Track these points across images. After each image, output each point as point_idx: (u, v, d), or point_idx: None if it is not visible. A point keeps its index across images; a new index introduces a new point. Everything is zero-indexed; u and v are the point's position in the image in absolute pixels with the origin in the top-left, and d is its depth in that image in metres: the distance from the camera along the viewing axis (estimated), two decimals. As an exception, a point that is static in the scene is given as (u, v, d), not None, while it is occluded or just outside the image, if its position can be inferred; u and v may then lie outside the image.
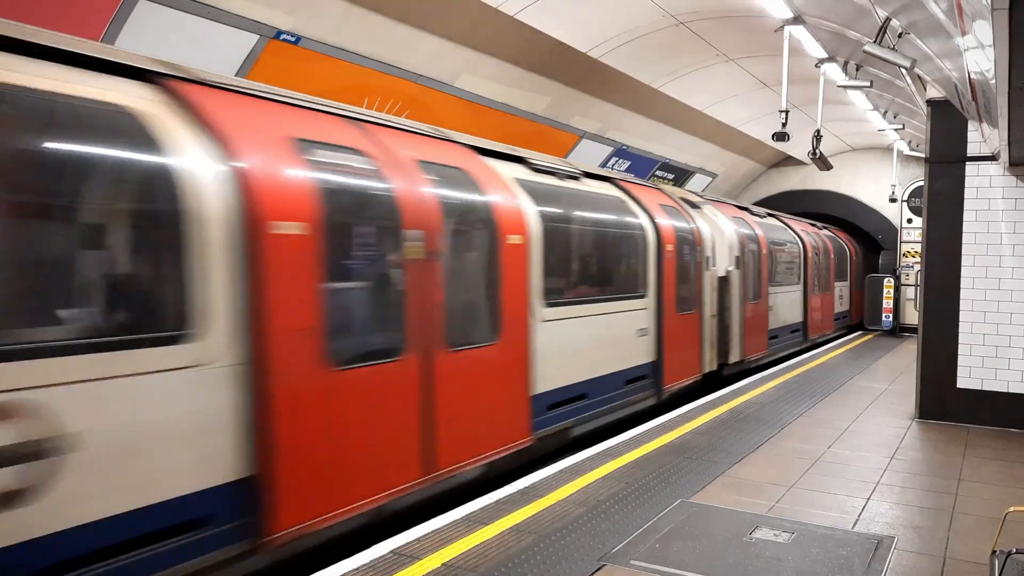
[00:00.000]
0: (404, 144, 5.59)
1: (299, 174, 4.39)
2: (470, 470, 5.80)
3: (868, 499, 5.63)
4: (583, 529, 4.89)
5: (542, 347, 6.67)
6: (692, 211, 10.99)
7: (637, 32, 9.86)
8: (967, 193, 8.11)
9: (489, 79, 9.91)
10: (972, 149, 8.12)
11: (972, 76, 4.91)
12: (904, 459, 6.80)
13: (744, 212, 13.53)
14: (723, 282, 11.33)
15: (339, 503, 4.53)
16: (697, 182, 18.13)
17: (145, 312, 3.88)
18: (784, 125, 10.16)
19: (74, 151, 3.80)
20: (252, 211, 4.03)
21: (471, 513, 5.14)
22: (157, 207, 3.99)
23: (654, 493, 5.64)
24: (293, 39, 7.50)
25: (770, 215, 15.25)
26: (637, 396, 8.68)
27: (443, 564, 4.31)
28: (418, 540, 4.64)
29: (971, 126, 8.05)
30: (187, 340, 3.76)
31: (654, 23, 9.67)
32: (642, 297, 8.78)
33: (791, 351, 14.92)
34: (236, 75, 7.33)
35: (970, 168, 8.11)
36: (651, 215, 9.16)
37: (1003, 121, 5.04)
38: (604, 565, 4.34)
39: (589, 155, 13.37)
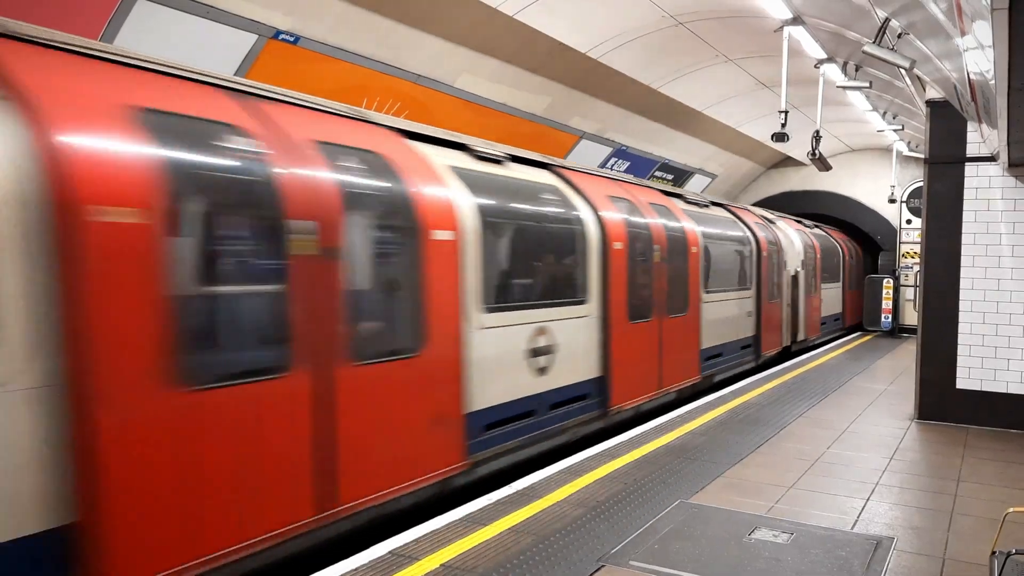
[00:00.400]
0: (640, 192, 9.32)
1: (617, 215, 8.14)
2: (673, 392, 9.44)
3: (867, 500, 5.63)
4: (582, 530, 4.89)
5: (703, 319, 10.28)
6: (772, 225, 14.24)
7: (637, 32, 9.86)
8: (966, 194, 8.11)
9: (489, 79, 9.90)
10: (971, 150, 8.11)
11: (972, 77, 4.91)
12: (903, 460, 6.81)
13: (800, 225, 16.82)
14: (793, 280, 14.69)
15: (630, 397, 8.27)
16: (696, 183, 18.11)
17: (575, 288, 7.43)
18: (783, 126, 10.17)
19: (551, 212, 7.44)
20: (606, 236, 7.74)
21: (470, 514, 5.14)
22: (576, 239, 7.50)
23: (653, 494, 5.64)
24: (292, 39, 7.49)
25: (816, 226, 18.52)
26: (746, 358, 12.33)
27: (442, 565, 4.31)
28: (416, 541, 4.64)
29: (970, 127, 8.05)
30: (584, 303, 7.44)
31: (654, 23, 9.67)
32: (749, 289, 12.35)
33: (834, 335, 18.47)
34: (235, 75, 7.32)
35: (969, 169, 8.11)
36: (752, 230, 12.75)
37: (1002, 122, 5.04)
38: (603, 566, 4.34)
39: (588, 155, 13.36)
